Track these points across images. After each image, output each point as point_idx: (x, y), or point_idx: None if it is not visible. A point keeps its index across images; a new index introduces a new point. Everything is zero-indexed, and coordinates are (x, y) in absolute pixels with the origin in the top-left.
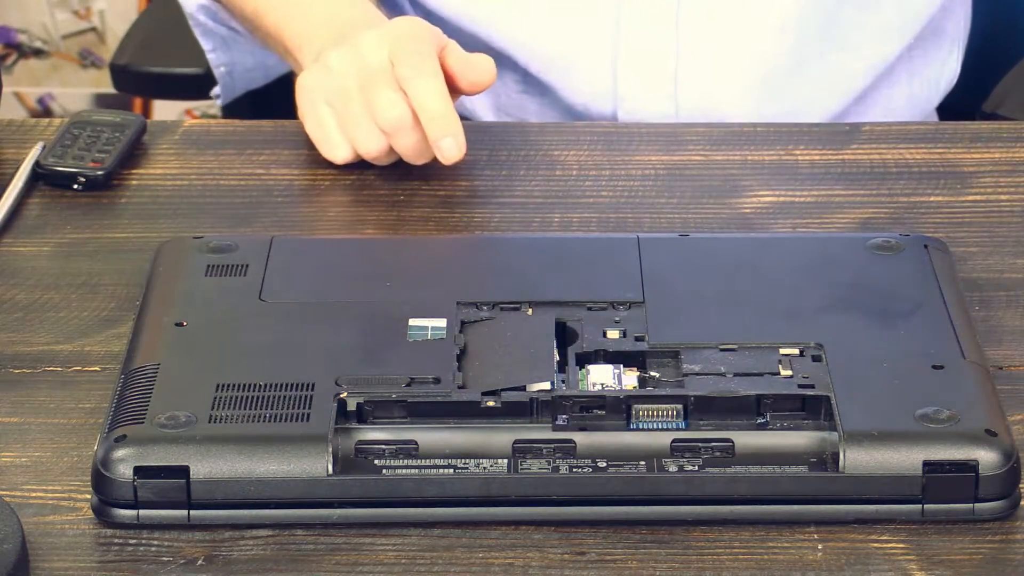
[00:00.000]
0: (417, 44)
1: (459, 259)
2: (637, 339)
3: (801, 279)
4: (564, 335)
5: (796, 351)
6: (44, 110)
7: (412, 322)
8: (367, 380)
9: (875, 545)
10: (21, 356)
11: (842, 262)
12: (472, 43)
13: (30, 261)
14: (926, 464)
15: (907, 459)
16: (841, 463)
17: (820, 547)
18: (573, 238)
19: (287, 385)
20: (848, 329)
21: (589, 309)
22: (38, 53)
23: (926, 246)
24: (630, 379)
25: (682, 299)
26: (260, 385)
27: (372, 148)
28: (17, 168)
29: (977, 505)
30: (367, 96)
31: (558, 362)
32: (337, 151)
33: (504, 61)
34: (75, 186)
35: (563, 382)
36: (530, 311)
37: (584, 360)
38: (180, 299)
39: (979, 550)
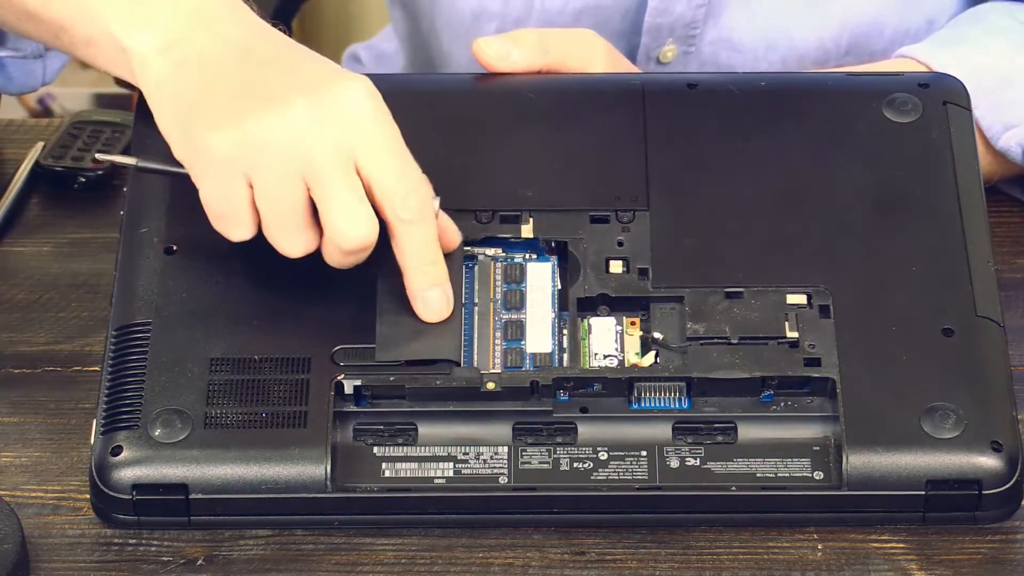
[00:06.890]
0: (390, 144)
1: (457, 124)
2: (640, 272)
3: (810, 178)
4: (566, 263)
5: (803, 299)
6: (44, 110)
7: None
8: (364, 352)
9: (875, 545)
10: (21, 356)
11: (854, 139)
12: None
13: (30, 261)
14: (929, 483)
15: (910, 477)
16: (844, 476)
17: (820, 547)
18: (574, 86)
19: (282, 363)
20: (857, 264)
21: (592, 220)
22: None
23: (945, 104)
24: (632, 340)
25: (686, 205)
26: (254, 361)
27: (296, 252)
28: (17, 168)
29: (979, 513)
30: (321, 194)
31: (559, 311)
32: (237, 230)
33: None
34: (75, 186)
35: (564, 349)
36: (530, 226)
37: (586, 306)
38: (166, 204)
39: (979, 550)
